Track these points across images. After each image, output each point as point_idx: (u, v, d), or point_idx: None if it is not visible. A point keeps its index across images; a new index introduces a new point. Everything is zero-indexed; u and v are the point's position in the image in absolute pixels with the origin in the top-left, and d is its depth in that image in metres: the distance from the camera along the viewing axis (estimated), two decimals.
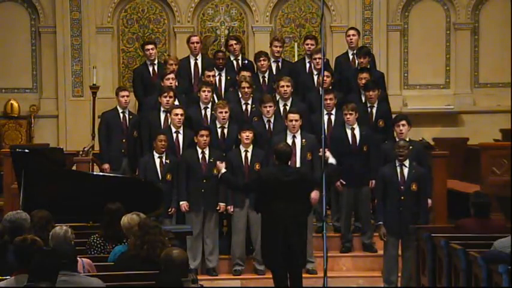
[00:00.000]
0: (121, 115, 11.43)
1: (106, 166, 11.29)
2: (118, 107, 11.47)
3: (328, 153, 9.06)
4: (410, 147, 10.38)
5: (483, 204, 8.71)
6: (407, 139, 10.43)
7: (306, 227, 9.19)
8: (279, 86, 11.23)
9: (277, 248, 8.80)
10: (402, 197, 9.80)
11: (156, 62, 12.28)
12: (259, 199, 9.15)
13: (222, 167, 9.41)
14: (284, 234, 8.80)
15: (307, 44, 12.16)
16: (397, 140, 10.32)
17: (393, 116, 11.55)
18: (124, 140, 11.36)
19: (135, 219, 7.61)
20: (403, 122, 10.47)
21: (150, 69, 12.20)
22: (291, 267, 8.94)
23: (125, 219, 7.71)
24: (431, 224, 10.37)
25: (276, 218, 8.80)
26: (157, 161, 10.57)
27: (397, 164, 9.90)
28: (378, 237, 10.30)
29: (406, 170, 9.88)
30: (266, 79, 11.94)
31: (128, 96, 11.47)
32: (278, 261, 8.84)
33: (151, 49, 12.24)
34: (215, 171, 9.91)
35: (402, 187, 9.82)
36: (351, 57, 12.22)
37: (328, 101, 11.01)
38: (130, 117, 11.49)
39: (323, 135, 9.02)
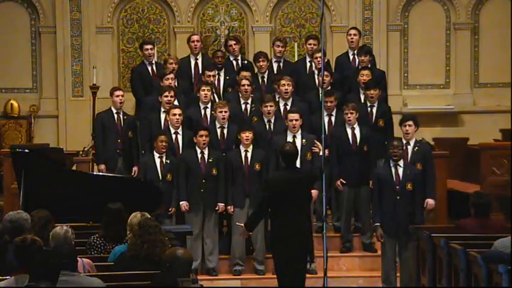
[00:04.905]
0: (115, 115, 11.41)
1: (102, 167, 11.27)
2: (112, 108, 11.44)
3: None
4: (416, 148, 10.40)
5: (483, 204, 8.71)
6: (414, 139, 10.44)
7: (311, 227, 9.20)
8: (279, 86, 11.23)
9: (288, 249, 8.71)
10: (398, 197, 9.79)
11: (154, 62, 12.28)
12: (264, 202, 9.05)
13: (241, 227, 9.23)
14: (295, 236, 8.71)
15: (310, 44, 12.15)
16: (403, 139, 10.33)
17: (392, 116, 11.58)
18: (119, 140, 11.34)
19: (139, 218, 7.62)
20: (410, 122, 10.46)
21: (149, 68, 12.20)
22: (298, 267, 8.87)
23: (133, 219, 7.71)
24: (431, 224, 10.38)
25: (288, 220, 8.71)
26: (158, 161, 10.58)
27: (391, 164, 9.89)
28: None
29: (401, 170, 9.86)
30: (265, 79, 11.95)
31: (122, 96, 11.43)
32: (288, 263, 8.75)
33: (150, 49, 12.23)
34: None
35: (398, 187, 9.81)
36: (351, 57, 12.23)
37: (329, 104, 11.01)
38: (125, 117, 11.47)
39: (323, 135, 9.03)
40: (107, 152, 11.35)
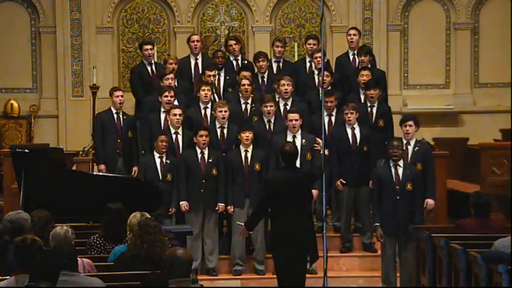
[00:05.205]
0: (115, 116, 11.40)
1: (102, 167, 11.26)
2: (112, 108, 11.43)
3: None
4: (417, 148, 10.39)
5: (483, 204, 8.71)
6: (415, 139, 10.44)
7: (313, 225, 9.19)
8: (279, 86, 11.23)
9: (288, 249, 8.70)
10: (398, 197, 9.79)
11: (153, 62, 12.28)
12: (263, 201, 9.06)
13: (241, 226, 9.30)
14: (295, 236, 8.70)
15: (310, 44, 12.16)
16: (403, 139, 10.34)
17: (392, 116, 11.58)
18: (119, 141, 11.33)
19: (139, 218, 7.62)
20: (410, 122, 10.45)
21: (149, 68, 12.20)
22: (298, 267, 8.86)
23: (133, 219, 7.71)
24: (431, 224, 10.38)
25: (288, 220, 8.71)
26: (158, 161, 10.58)
27: (391, 164, 9.89)
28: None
29: (400, 170, 9.86)
30: (265, 79, 11.95)
31: (122, 96, 11.42)
32: (288, 263, 8.74)
33: (150, 49, 12.23)
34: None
35: (397, 187, 9.81)
36: (351, 57, 12.22)
37: (329, 104, 11.01)
38: (125, 117, 11.47)
39: (323, 135, 9.04)
40: (107, 152, 11.35)
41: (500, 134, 13.81)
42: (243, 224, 9.20)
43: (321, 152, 9.53)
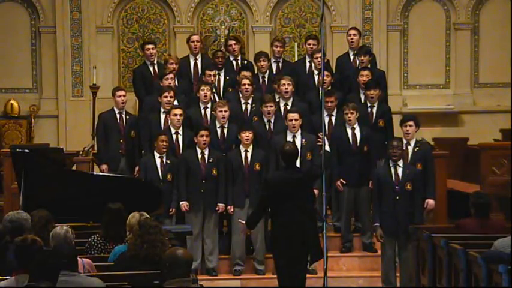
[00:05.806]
0: (118, 116, 11.38)
1: (104, 167, 11.25)
2: (115, 108, 11.43)
3: None
4: (417, 148, 10.40)
5: (483, 204, 8.71)
6: (415, 139, 10.44)
7: (317, 225, 9.17)
8: (279, 85, 11.23)
9: (288, 249, 8.70)
10: (397, 197, 9.79)
11: (156, 62, 12.28)
12: (263, 201, 9.06)
13: (242, 224, 9.32)
14: (295, 235, 8.70)
15: (309, 44, 12.16)
16: (404, 139, 10.34)
17: (392, 116, 11.58)
18: (121, 141, 11.32)
19: (138, 218, 7.62)
20: (411, 122, 10.47)
21: (151, 69, 12.19)
22: (299, 267, 8.85)
23: (132, 219, 7.71)
24: (431, 224, 10.38)
25: (288, 220, 8.70)
26: (158, 161, 10.58)
27: (391, 164, 9.89)
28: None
29: (400, 170, 9.86)
30: (266, 79, 11.95)
31: (124, 96, 11.41)
32: (288, 263, 8.74)
33: (152, 49, 12.22)
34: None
35: (397, 187, 9.81)
36: (351, 57, 12.22)
37: (329, 104, 11.02)
38: (127, 117, 11.46)
39: (323, 135, 9.04)
40: (109, 152, 11.33)
41: (500, 134, 13.82)
42: (244, 222, 9.20)
43: (321, 151, 9.54)
